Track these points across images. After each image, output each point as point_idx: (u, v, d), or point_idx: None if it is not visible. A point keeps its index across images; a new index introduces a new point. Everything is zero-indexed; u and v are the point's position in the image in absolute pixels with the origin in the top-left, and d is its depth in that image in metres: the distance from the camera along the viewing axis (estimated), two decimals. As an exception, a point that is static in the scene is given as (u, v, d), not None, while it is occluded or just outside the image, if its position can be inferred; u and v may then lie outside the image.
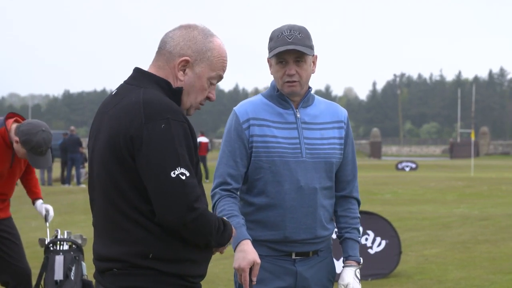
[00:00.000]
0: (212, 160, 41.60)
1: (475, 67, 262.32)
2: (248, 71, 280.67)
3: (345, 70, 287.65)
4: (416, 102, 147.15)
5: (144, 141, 2.81)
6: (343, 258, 4.37)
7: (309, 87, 4.30)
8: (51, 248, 6.88)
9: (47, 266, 6.83)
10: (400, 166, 49.04)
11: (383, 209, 17.59)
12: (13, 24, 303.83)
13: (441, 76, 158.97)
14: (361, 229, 8.50)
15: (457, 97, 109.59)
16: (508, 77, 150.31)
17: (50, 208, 7.25)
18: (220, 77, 3.09)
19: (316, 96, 4.42)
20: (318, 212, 4.24)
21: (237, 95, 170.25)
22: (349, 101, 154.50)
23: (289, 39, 4.10)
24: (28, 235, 11.89)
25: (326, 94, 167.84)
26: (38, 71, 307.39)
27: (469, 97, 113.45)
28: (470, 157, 44.10)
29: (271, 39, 4.20)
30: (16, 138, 6.38)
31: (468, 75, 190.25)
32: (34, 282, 7.06)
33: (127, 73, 3.31)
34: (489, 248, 12.15)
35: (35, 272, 7.16)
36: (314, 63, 4.25)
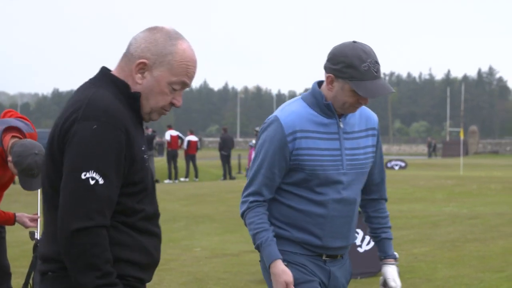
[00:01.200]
0: (201, 158, 41.86)
1: (464, 66, 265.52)
2: (237, 69, 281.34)
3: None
4: (406, 101, 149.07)
5: (71, 137, 2.74)
6: (382, 256, 4.49)
7: None
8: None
9: (36, 265, 6.79)
10: (389, 164, 49.41)
11: None
12: (2, 22, 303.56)
13: (430, 75, 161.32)
14: (358, 230, 9.10)
15: (446, 96, 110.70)
16: (497, 76, 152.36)
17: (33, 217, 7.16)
18: (183, 84, 2.93)
19: None
20: (354, 220, 4.33)
21: (227, 94, 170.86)
22: None
23: (376, 73, 4.08)
24: (17, 233, 11.94)
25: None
26: (27, 70, 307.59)
27: (458, 96, 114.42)
28: (459, 155, 44.31)
29: (350, 65, 4.08)
30: (10, 158, 6.41)
31: (457, 74, 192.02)
32: (21, 281, 7.01)
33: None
34: (478, 246, 12.24)
35: (24, 271, 7.20)
36: None
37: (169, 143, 34.22)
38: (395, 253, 4.53)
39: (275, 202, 4.37)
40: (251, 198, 4.33)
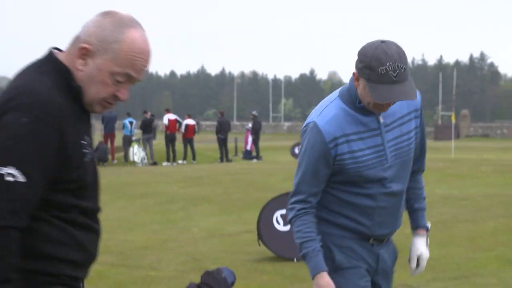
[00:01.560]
0: (199, 142, 42.08)
1: (456, 52, 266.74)
2: (235, 55, 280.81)
3: (329, 54, 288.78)
4: None
5: None
6: (413, 227, 4.48)
7: None
8: None
9: None
10: None
11: None
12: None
13: (423, 60, 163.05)
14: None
15: (438, 81, 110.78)
16: (488, 61, 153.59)
17: None
18: (128, 76, 2.66)
19: None
20: (400, 209, 4.35)
21: (224, 79, 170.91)
22: (333, 84, 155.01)
23: (394, 77, 3.97)
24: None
25: (311, 78, 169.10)
26: (30, 54, 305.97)
27: (450, 81, 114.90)
28: (451, 139, 44.62)
29: (368, 66, 4.04)
30: None
31: (449, 59, 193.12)
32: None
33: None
34: (469, 227, 12.34)
35: None
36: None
37: (167, 126, 34.43)
38: (428, 223, 4.53)
39: (325, 194, 4.39)
40: (298, 206, 4.33)
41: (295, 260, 10.41)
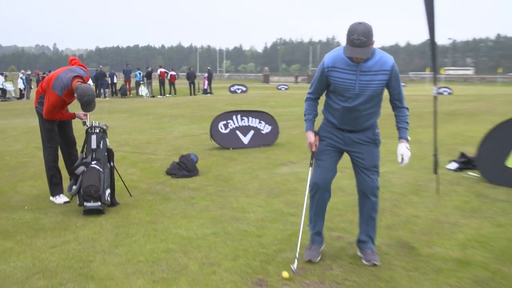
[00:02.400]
0: (178, 84, 43.66)
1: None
2: (195, 32, 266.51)
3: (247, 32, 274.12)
4: (288, 54, 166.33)
5: None
6: (398, 138, 4.55)
7: (373, 49, 4.28)
8: (89, 131, 6.81)
9: (88, 140, 6.78)
10: (279, 87, 52.42)
11: (270, 110, 17.96)
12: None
13: (301, 38, 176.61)
14: (261, 121, 10.33)
15: (310, 51, 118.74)
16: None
17: (85, 113, 7.10)
18: None
19: (376, 51, 4.33)
20: (361, 119, 4.45)
21: (191, 49, 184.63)
22: (253, 53, 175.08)
23: (357, 43, 4.06)
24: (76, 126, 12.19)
25: (240, 50, 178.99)
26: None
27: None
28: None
29: (347, 35, 4.10)
30: (75, 94, 6.60)
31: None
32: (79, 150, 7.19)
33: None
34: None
35: (79, 142, 7.28)
36: (372, 44, 4.19)
37: (159, 75, 38.07)
38: (408, 137, 4.53)
39: (326, 98, 4.63)
40: (308, 96, 4.61)
41: (230, 148, 11.16)
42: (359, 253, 4.85)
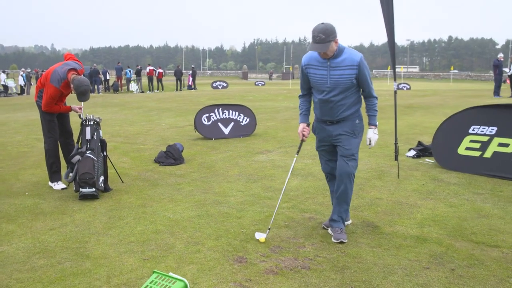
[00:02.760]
0: (165, 81, 44.08)
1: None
2: (181, 34, 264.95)
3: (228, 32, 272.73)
4: (265, 53, 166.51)
5: None
6: (368, 124, 4.64)
7: (339, 47, 4.32)
8: (84, 123, 6.72)
9: (83, 132, 6.72)
10: (257, 83, 52.55)
11: (249, 104, 18.52)
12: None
13: (276, 39, 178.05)
14: (240, 114, 10.16)
15: (284, 51, 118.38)
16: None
17: (80, 107, 7.07)
18: None
19: (345, 49, 4.36)
20: (337, 110, 4.49)
21: (176, 49, 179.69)
22: (233, 52, 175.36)
23: (316, 39, 4.16)
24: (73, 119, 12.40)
25: (221, 49, 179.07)
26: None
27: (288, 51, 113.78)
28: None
29: (312, 33, 4.19)
30: (71, 85, 6.54)
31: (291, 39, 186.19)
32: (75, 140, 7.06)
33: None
34: (297, 121, 12.16)
35: (75, 133, 7.24)
36: (336, 42, 4.28)
37: (148, 72, 37.95)
38: (376, 122, 4.60)
39: (312, 94, 4.66)
40: (300, 94, 4.76)
41: (213, 139, 11.12)
42: (330, 231, 4.89)
